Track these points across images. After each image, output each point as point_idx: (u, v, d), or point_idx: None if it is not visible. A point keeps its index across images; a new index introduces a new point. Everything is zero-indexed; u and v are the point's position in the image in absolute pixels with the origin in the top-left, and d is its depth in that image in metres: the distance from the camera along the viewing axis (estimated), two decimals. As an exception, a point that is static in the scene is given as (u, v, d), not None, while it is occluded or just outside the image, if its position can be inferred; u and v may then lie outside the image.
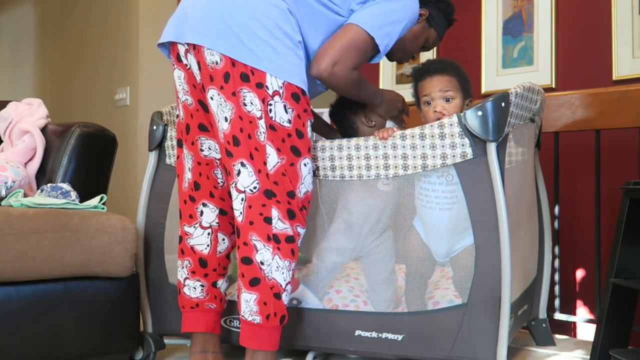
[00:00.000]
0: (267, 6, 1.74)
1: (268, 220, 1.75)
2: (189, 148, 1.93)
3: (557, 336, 2.44)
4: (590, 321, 2.56)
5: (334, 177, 1.94)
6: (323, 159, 1.94)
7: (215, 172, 1.93)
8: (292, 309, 2.03)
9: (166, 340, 2.18)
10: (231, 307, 2.04)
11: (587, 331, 2.71)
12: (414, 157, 1.84)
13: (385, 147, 1.87)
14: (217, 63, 1.75)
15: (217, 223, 1.95)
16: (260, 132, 1.74)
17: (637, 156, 2.54)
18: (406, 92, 3.31)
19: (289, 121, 1.75)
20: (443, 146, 1.81)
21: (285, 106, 1.74)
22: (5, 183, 2.12)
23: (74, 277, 1.91)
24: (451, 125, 1.80)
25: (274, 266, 1.76)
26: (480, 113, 1.76)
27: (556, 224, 2.56)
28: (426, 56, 3.32)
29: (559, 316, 2.55)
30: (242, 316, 1.79)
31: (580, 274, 2.81)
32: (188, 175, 1.95)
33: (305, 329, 2.00)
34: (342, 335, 1.96)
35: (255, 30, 1.72)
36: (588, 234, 2.66)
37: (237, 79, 1.73)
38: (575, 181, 2.81)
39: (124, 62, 3.63)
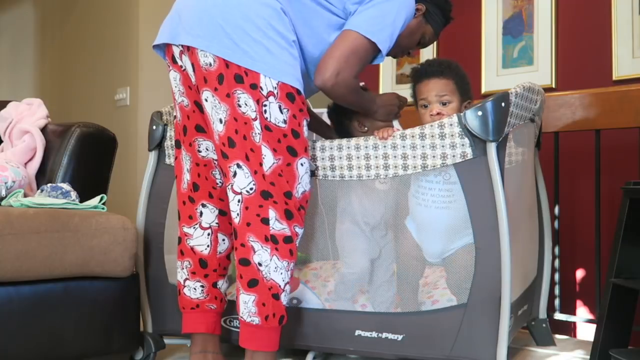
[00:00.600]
0: (259, 6, 1.74)
1: (265, 221, 1.75)
2: (187, 149, 1.93)
3: (557, 336, 2.44)
4: (590, 321, 2.56)
5: (333, 177, 1.94)
6: (323, 159, 1.94)
7: (213, 172, 1.93)
8: (292, 309, 2.03)
9: (166, 340, 2.18)
10: (231, 307, 2.04)
11: (587, 331, 2.71)
12: (414, 157, 1.84)
13: (385, 147, 1.87)
14: (210, 65, 1.74)
15: (216, 223, 1.95)
16: (256, 133, 1.74)
17: (637, 156, 2.54)
18: (406, 93, 3.31)
19: (285, 121, 1.75)
20: (443, 146, 1.81)
21: (280, 106, 1.74)
22: (5, 183, 2.12)
23: (74, 277, 1.91)
24: (451, 125, 1.80)
25: (272, 267, 1.75)
26: (480, 113, 1.76)
27: (556, 224, 2.56)
28: (426, 56, 3.32)
29: (559, 316, 2.55)
30: (241, 317, 1.79)
31: (580, 274, 2.81)
32: (187, 176, 1.95)
33: (305, 329, 2.00)
34: (342, 335, 1.96)
35: (248, 31, 1.72)
36: (588, 234, 2.66)
37: (231, 80, 1.73)
38: (575, 181, 2.81)
39: (124, 62, 3.63)
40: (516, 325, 2.00)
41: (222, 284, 1.99)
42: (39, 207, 1.96)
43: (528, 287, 2.16)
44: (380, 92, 3.48)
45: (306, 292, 2.07)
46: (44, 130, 2.43)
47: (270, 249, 1.75)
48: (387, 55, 2.07)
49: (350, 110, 2.06)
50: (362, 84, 2.07)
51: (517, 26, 3.06)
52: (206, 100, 1.78)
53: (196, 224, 1.95)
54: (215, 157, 1.91)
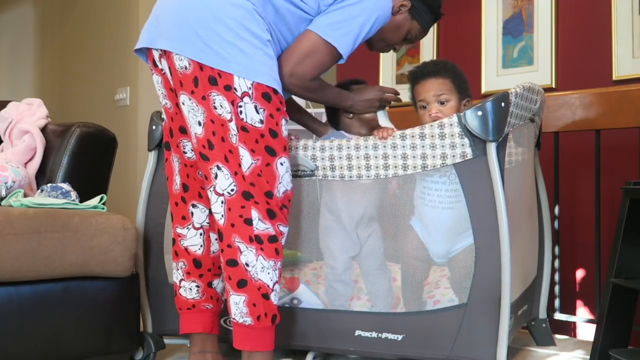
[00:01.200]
0: (231, 7, 1.73)
1: (248, 222, 1.75)
2: (175, 151, 1.94)
3: (557, 336, 2.44)
4: (590, 321, 2.55)
5: (333, 177, 1.94)
6: (323, 158, 1.94)
7: (200, 173, 1.93)
8: (292, 309, 2.03)
9: (166, 340, 2.18)
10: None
11: (587, 331, 2.71)
12: (414, 157, 1.84)
13: (385, 147, 1.87)
14: (186, 68, 1.75)
15: (207, 223, 1.95)
16: (232, 135, 1.74)
17: (637, 156, 2.54)
18: (406, 93, 3.31)
19: (261, 121, 1.74)
20: (443, 146, 1.81)
21: (256, 106, 1.73)
22: (5, 183, 2.12)
23: (74, 277, 1.91)
24: (451, 125, 1.80)
25: (259, 267, 1.75)
26: (480, 113, 1.76)
27: (556, 224, 2.55)
28: (426, 56, 3.32)
29: (559, 316, 2.55)
30: (233, 319, 1.79)
31: (580, 274, 2.81)
32: (177, 178, 1.96)
33: (305, 329, 2.00)
34: (342, 335, 1.96)
35: (220, 33, 1.72)
36: (588, 234, 2.66)
37: (206, 82, 1.73)
38: (575, 181, 2.81)
39: (124, 62, 3.63)
40: (516, 325, 2.00)
41: (217, 283, 1.99)
42: (39, 207, 1.96)
43: (528, 287, 2.16)
44: (380, 92, 3.48)
45: (306, 292, 2.07)
46: (44, 130, 2.43)
47: (256, 249, 1.75)
48: (373, 50, 2.07)
49: None
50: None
51: (517, 26, 3.06)
52: (183, 103, 1.80)
53: (189, 225, 1.96)
54: None
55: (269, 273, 1.77)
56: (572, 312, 2.74)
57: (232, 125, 1.74)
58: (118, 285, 1.99)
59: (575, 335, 2.76)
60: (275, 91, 1.76)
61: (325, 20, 1.83)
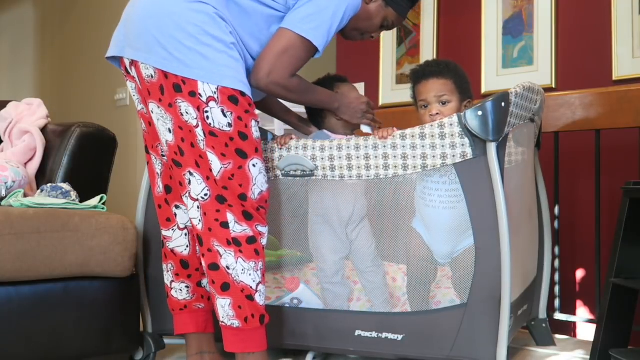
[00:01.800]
0: (191, 13, 1.72)
1: (225, 225, 1.76)
2: (155, 153, 1.94)
3: (557, 336, 2.44)
4: (590, 321, 2.55)
5: (333, 177, 1.94)
6: (323, 158, 1.94)
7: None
8: (292, 309, 2.03)
9: (166, 340, 2.18)
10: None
11: (587, 331, 2.71)
12: (414, 157, 1.84)
13: (385, 146, 1.87)
14: (152, 76, 1.75)
15: (191, 224, 1.95)
16: (199, 140, 1.74)
17: (637, 156, 2.54)
18: (406, 92, 3.31)
19: (229, 125, 1.73)
20: (443, 146, 1.81)
21: (223, 110, 1.72)
22: (5, 183, 2.12)
23: (74, 277, 1.91)
24: (451, 125, 1.80)
25: (239, 269, 1.76)
26: (480, 113, 1.76)
27: (556, 224, 2.55)
28: (426, 56, 3.32)
29: (559, 316, 2.55)
30: (222, 322, 1.80)
31: (580, 274, 2.81)
32: (159, 180, 1.96)
33: (305, 329, 2.00)
34: (342, 335, 1.96)
35: (181, 40, 1.71)
36: (588, 234, 2.66)
37: (171, 90, 1.73)
38: (575, 181, 2.80)
39: (124, 62, 3.62)
40: (516, 325, 2.00)
41: (206, 282, 1.99)
42: (39, 207, 1.96)
43: (528, 287, 2.16)
44: (380, 92, 3.48)
45: (306, 292, 2.07)
46: (44, 130, 2.43)
47: (234, 252, 1.75)
48: (347, 39, 2.05)
49: None
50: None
51: (517, 26, 3.06)
52: (152, 111, 1.80)
53: (174, 226, 1.96)
54: None
55: (250, 274, 1.76)
56: (572, 312, 2.74)
57: (199, 131, 1.73)
58: (118, 285, 1.99)
59: (575, 335, 2.75)
60: (242, 93, 1.75)
61: (296, 16, 1.82)
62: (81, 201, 2.10)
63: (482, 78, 3.11)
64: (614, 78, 2.73)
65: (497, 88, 2.99)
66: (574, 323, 2.74)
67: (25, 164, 2.35)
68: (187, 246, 1.96)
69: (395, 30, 3.42)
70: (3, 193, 2.10)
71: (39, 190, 2.11)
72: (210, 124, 1.72)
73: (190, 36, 1.71)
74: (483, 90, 3.10)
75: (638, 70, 2.66)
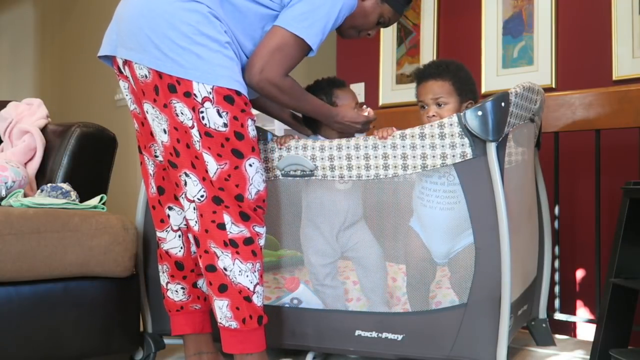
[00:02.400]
0: (185, 13, 1.71)
1: (221, 227, 1.75)
2: (147, 154, 1.94)
3: (557, 336, 2.44)
4: (590, 321, 2.55)
5: (333, 177, 1.94)
6: (322, 158, 1.94)
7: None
8: (292, 309, 2.03)
9: (166, 340, 2.18)
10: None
11: (587, 331, 2.71)
12: (414, 157, 1.84)
13: (384, 146, 1.87)
14: (146, 77, 1.75)
15: (185, 225, 1.95)
16: (195, 141, 1.73)
17: (637, 156, 2.53)
18: (406, 92, 3.31)
19: (225, 125, 1.72)
20: (443, 146, 1.81)
21: (218, 110, 1.71)
22: (5, 183, 2.12)
23: (74, 277, 1.91)
24: (451, 125, 1.80)
25: (237, 271, 1.75)
26: (480, 113, 1.76)
27: (556, 224, 2.55)
28: (426, 56, 3.32)
29: (559, 316, 2.55)
30: (220, 323, 1.80)
31: (580, 274, 2.81)
32: (152, 181, 1.95)
33: (305, 329, 2.00)
34: (342, 335, 1.96)
35: (175, 40, 1.70)
36: (588, 234, 2.66)
37: (166, 90, 1.72)
38: (575, 181, 2.80)
39: (124, 62, 3.62)
40: (516, 325, 2.00)
41: (202, 283, 1.99)
42: (39, 207, 1.96)
43: (528, 287, 2.16)
44: (380, 92, 3.48)
45: (306, 292, 2.07)
46: (44, 130, 2.43)
47: (231, 254, 1.75)
48: (344, 37, 2.03)
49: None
50: (365, 107, 2.02)
51: (517, 26, 3.06)
52: (147, 112, 1.79)
53: (168, 227, 1.96)
54: None
55: (247, 276, 1.76)
56: (572, 312, 2.74)
57: (194, 132, 1.73)
58: (118, 285, 1.99)
59: (575, 335, 2.75)
60: (238, 93, 1.74)
61: (290, 14, 1.80)
62: (81, 201, 2.10)
63: (482, 78, 3.10)
64: (614, 78, 2.72)
65: (497, 88, 2.99)
66: (574, 323, 2.74)
67: (25, 164, 2.35)
68: (182, 248, 1.96)
69: (395, 30, 3.42)
70: (3, 193, 2.10)
71: (39, 190, 2.11)
72: (205, 124, 1.72)
73: (184, 36, 1.70)
74: (483, 90, 3.10)
75: (638, 70, 2.66)
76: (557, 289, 2.56)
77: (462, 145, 1.79)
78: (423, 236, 1.96)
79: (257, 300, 1.78)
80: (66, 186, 2.10)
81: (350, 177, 1.92)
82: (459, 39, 3.26)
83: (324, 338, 1.98)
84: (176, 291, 1.98)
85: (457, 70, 2.00)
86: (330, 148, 1.93)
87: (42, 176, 2.35)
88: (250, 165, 1.77)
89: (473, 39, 3.19)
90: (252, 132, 1.78)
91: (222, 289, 1.77)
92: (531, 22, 3.01)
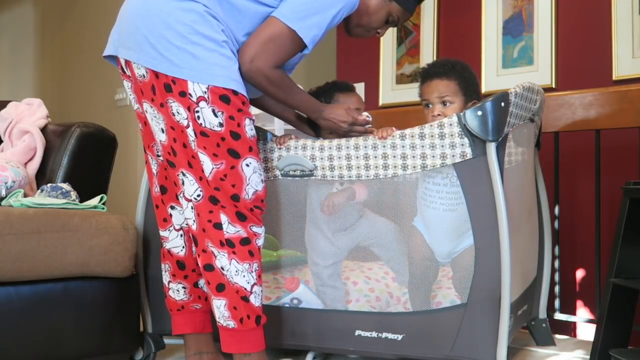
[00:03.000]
0: (180, 12, 1.71)
1: (218, 226, 1.75)
2: (151, 153, 1.94)
3: (557, 336, 2.44)
4: (590, 321, 2.55)
5: (332, 177, 1.94)
6: (322, 158, 1.94)
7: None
8: (292, 309, 2.03)
9: (166, 340, 2.18)
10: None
11: (587, 331, 2.71)
12: (414, 157, 1.84)
13: (384, 146, 1.87)
14: (144, 76, 1.75)
15: (186, 224, 1.95)
16: (191, 141, 1.73)
17: (637, 156, 2.54)
18: (406, 92, 3.31)
19: (221, 125, 1.72)
20: (442, 146, 1.81)
21: (214, 110, 1.71)
22: (5, 183, 2.12)
23: (74, 277, 1.91)
24: (451, 125, 1.80)
25: (233, 271, 1.75)
26: (479, 113, 1.76)
27: (556, 224, 2.55)
28: (426, 56, 3.32)
29: (559, 316, 2.55)
30: (218, 322, 1.80)
31: (580, 274, 2.81)
32: (155, 180, 1.96)
33: (305, 329, 2.00)
34: (342, 335, 1.96)
35: (170, 39, 1.70)
36: (588, 234, 2.66)
37: (162, 90, 1.72)
38: (575, 181, 2.80)
39: (124, 62, 3.62)
40: (516, 325, 2.00)
41: (203, 283, 1.99)
42: (39, 207, 1.96)
43: (528, 287, 2.16)
44: (380, 92, 3.48)
45: (306, 292, 2.07)
46: (44, 130, 2.43)
47: (227, 254, 1.75)
48: (352, 36, 2.00)
49: None
50: (367, 115, 1.99)
51: (517, 26, 3.06)
52: (146, 111, 1.80)
53: (170, 227, 1.96)
54: None
55: (244, 276, 1.76)
56: (572, 312, 2.74)
57: (190, 132, 1.73)
58: (118, 285, 1.99)
59: (575, 335, 2.75)
60: (234, 92, 1.73)
61: (287, 5, 1.79)
62: (81, 201, 2.10)
63: (482, 78, 3.10)
64: (614, 78, 2.73)
65: (497, 88, 2.99)
66: (574, 323, 2.74)
67: (25, 164, 2.35)
68: (183, 247, 1.96)
69: (395, 30, 3.41)
70: (3, 193, 2.10)
71: (39, 190, 2.11)
72: (201, 124, 1.72)
73: (179, 35, 1.70)
74: (483, 90, 3.10)
75: (638, 70, 2.66)
76: (557, 289, 2.56)
77: (462, 145, 1.79)
78: (426, 236, 1.96)
79: (254, 300, 1.78)
80: (66, 186, 2.10)
81: (350, 177, 1.92)
82: (459, 39, 3.26)
83: (324, 338, 1.98)
84: (177, 290, 1.98)
85: (462, 70, 2.00)
86: (330, 148, 1.93)
87: (42, 176, 2.35)
88: (247, 165, 1.76)
89: (473, 39, 3.19)
90: (249, 131, 1.77)
91: (220, 288, 1.77)
92: (531, 22, 3.01)
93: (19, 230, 1.80)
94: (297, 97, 1.91)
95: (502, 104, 1.78)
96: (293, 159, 1.96)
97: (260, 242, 1.80)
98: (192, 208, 1.79)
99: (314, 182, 2.00)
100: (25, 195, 2.14)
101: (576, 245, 2.79)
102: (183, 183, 1.78)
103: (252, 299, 1.77)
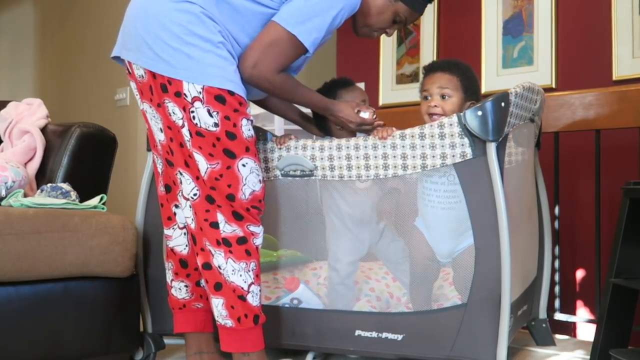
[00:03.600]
0: (176, 13, 1.72)
1: (215, 225, 1.76)
2: (156, 152, 1.95)
3: (557, 336, 2.44)
4: (590, 321, 2.55)
5: (332, 177, 1.94)
6: (322, 158, 1.94)
7: None
8: (292, 309, 2.03)
9: (166, 340, 2.18)
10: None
11: (587, 331, 2.71)
12: (414, 157, 1.84)
13: (384, 146, 1.87)
14: (142, 77, 1.78)
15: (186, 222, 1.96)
16: (186, 140, 1.75)
17: (637, 156, 2.53)
18: (406, 92, 3.31)
19: (216, 125, 1.73)
20: (443, 146, 1.81)
21: (209, 110, 1.72)
22: (5, 183, 2.12)
23: (74, 277, 1.91)
24: (451, 125, 1.80)
25: (230, 270, 1.76)
26: (479, 113, 1.76)
27: (556, 224, 2.55)
28: (426, 56, 3.32)
29: (559, 316, 2.55)
30: (217, 321, 1.81)
31: (580, 274, 2.81)
32: (161, 179, 1.96)
33: (305, 329, 2.00)
34: (342, 335, 1.96)
35: (166, 40, 1.72)
36: (588, 234, 2.66)
37: (159, 90, 1.75)
38: (575, 181, 2.80)
39: (124, 62, 3.62)
40: (516, 325, 2.00)
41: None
42: (39, 207, 1.96)
43: (528, 287, 2.16)
44: (380, 92, 3.48)
45: (306, 292, 2.07)
46: (44, 130, 2.43)
47: (224, 253, 1.76)
48: (359, 36, 2.00)
49: None
50: (368, 107, 2.00)
51: (517, 26, 3.06)
52: (146, 111, 1.84)
53: (174, 225, 1.96)
54: None
55: (241, 275, 1.76)
56: (572, 312, 2.74)
57: (185, 131, 1.75)
58: (118, 285, 1.99)
59: (575, 335, 2.75)
60: (230, 92, 1.74)
61: (287, 10, 1.79)
62: (81, 201, 2.10)
63: (482, 78, 3.11)
64: (614, 78, 2.73)
65: (497, 88, 2.99)
66: (574, 323, 2.74)
67: (25, 164, 2.35)
68: (186, 245, 1.96)
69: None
70: (3, 193, 2.10)
71: (39, 190, 2.11)
72: (196, 124, 1.73)
73: (175, 36, 1.72)
74: (483, 90, 3.10)
75: (638, 70, 2.66)
76: (557, 289, 2.56)
77: (462, 145, 1.79)
78: (427, 235, 1.96)
79: (252, 299, 1.78)
80: (66, 186, 2.10)
81: (350, 177, 1.92)
82: (459, 39, 3.26)
83: (324, 338, 1.98)
84: (179, 289, 1.98)
85: (466, 70, 2.03)
86: (330, 148, 1.93)
87: (42, 176, 2.35)
88: (244, 165, 1.77)
89: (473, 39, 3.19)
90: (247, 132, 1.77)
91: (217, 287, 1.78)
92: (531, 22, 3.01)
93: (19, 230, 1.80)
94: (305, 97, 1.92)
95: (502, 104, 1.78)
96: (293, 159, 1.96)
97: (258, 241, 1.80)
98: (190, 207, 1.80)
99: (315, 183, 1.99)
100: (25, 195, 2.14)
101: (576, 245, 2.79)
102: (181, 182, 1.80)
103: (249, 298, 1.77)
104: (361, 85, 3.49)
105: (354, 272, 2.07)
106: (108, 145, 2.39)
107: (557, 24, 2.94)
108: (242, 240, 1.77)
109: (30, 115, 2.47)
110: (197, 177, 1.76)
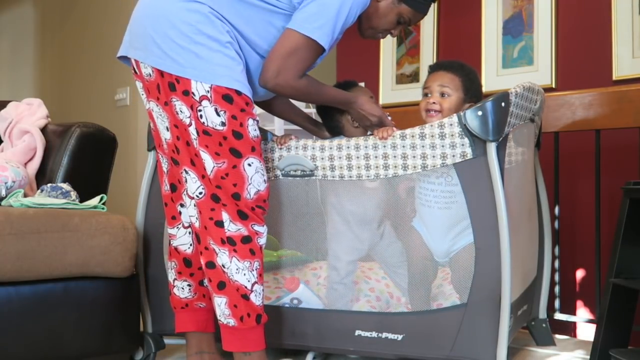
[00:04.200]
0: (185, 13, 1.74)
1: (219, 224, 1.76)
2: (161, 152, 1.95)
3: (557, 336, 2.44)
4: (590, 321, 2.55)
5: (333, 177, 1.94)
6: (322, 158, 1.94)
7: None
8: (292, 309, 2.03)
9: (166, 340, 2.18)
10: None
11: (587, 331, 2.71)
12: (414, 157, 1.84)
13: (385, 146, 1.87)
14: (150, 75, 1.78)
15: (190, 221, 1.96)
16: (193, 139, 1.76)
17: (637, 156, 2.54)
18: (406, 92, 3.31)
19: (223, 124, 1.74)
20: (443, 146, 1.81)
21: (216, 109, 1.73)
22: (5, 183, 2.12)
23: (74, 277, 1.91)
24: (451, 125, 1.80)
25: (234, 269, 1.76)
26: (480, 113, 1.76)
27: (556, 224, 2.55)
28: (426, 56, 3.32)
29: (559, 316, 2.55)
30: (219, 320, 1.81)
31: (580, 274, 2.81)
32: (165, 178, 1.97)
33: (305, 329, 2.00)
34: (342, 335, 1.96)
35: (174, 39, 1.73)
36: (588, 234, 2.66)
37: (167, 88, 1.75)
38: (575, 181, 2.80)
39: (124, 62, 3.62)
40: (516, 325, 2.00)
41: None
42: (39, 207, 1.96)
43: (528, 287, 2.16)
44: (380, 92, 3.48)
45: (306, 292, 2.07)
46: (44, 130, 2.43)
47: (228, 251, 1.76)
48: (365, 37, 2.02)
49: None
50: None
51: (517, 26, 3.06)
52: (152, 110, 1.84)
53: (179, 224, 1.97)
54: None
55: (245, 274, 1.77)
56: (572, 312, 2.74)
57: (192, 130, 1.75)
58: (118, 285, 1.99)
59: (575, 335, 2.75)
60: (238, 92, 1.75)
61: (302, 15, 1.81)
62: (81, 201, 2.10)
63: (482, 78, 3.11)
64: (614, 78, 2.73)
65: (497, 88, 2.99)
66: (574, 323, 2.74)
67: (25, 164, 2.35)
68: (191, 245, 1.96)
69: (395, 30, 3.41)
70: (3, 193, 2.10)
71: (39, 190, 2.11)
72: (203, 122, 1.74)
73: (183, 35, 1.73)
74: (483, 91, 3.11)
75: (638, 70, 2.66)
76: (557, 289, 2.56)
77: (462, 145, 1.79)
78: (424, 235, 1.96)
79: (255, 299, 1.78)
80: (66, 186, 2.10)
81: (350, 177, 1.92)
82: (459, 39, 3.26)
83: (324, 338, 1.98)
84: (182, 288, 1.98)
85: (469, 72, 2.04)
86: (331, 148, 1.93)
87: (42, 176, 2.35)
88: (250, 164, 1.77)
89: (473, 39, 3.19)
90: (253, 132, 1.78)
91: (221, 286, 1.78)
92: (531, 22, 3.01)
93: (19, 230, 1.80)
94: (329, 95, 1.95)
95: (503, 104, 1.78)
96: (294, 159, 1.96)
97: (262, 241, 1.81)
98: (194, 206, 1.80)
99: (315, 183, 1.99)
100: (25, 195, 2.14)
101: (576, 245, 2.80)
102: (186, 181, 1.80)
103: (252, 297, 1.78)
104: (361, 85, 3.49)
105: (353, 271, 2.07)
106: (108, 145, 2.40)
107: (557, 24, 2.94)
108: (246, 240, 1.77)
109: (30, 115, 2.47)
110: (202, 176, 1.77)
